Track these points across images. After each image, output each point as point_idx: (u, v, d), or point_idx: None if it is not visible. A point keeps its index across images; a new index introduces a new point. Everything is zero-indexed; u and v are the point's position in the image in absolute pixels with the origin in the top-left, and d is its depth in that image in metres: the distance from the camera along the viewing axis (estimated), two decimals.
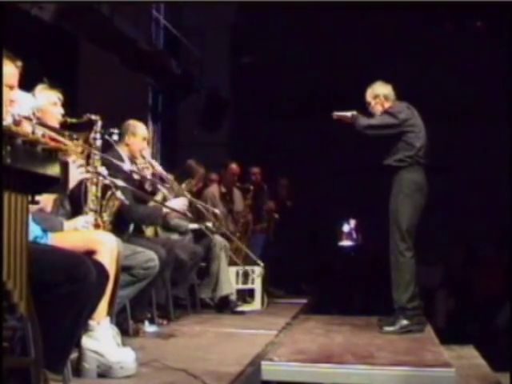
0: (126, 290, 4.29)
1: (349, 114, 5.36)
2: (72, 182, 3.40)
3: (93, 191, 3.96)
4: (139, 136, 4.61)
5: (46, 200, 3.46)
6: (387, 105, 5.44)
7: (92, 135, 4.00)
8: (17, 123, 2.96)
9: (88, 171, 3.68)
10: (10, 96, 2.95)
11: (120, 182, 4.09)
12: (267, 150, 10.19)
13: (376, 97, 5.47)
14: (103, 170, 4.00)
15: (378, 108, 5.46)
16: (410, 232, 5.31)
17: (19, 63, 2.95)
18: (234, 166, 7.65)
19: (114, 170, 4.32)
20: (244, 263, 6.93)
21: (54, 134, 3.28)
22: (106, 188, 4.12)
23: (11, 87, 2.94)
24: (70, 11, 6.29)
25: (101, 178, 3.95)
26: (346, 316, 6.41)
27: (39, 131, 3.13)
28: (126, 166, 4.53)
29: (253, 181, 8.06)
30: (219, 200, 7.25)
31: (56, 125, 3.72)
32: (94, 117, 4.05)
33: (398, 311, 5.29)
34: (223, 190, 7.43)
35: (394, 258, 5.33)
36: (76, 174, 3.46)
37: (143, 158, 4.75)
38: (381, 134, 5.36)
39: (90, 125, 4.04)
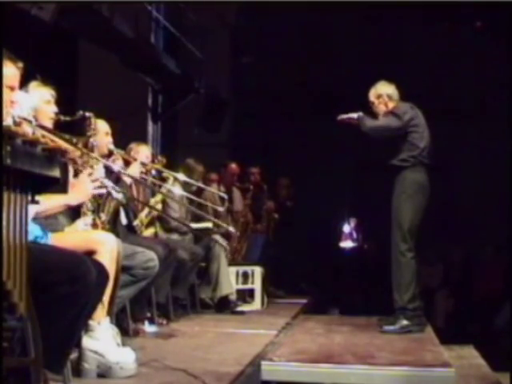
0: (126, 290, 4.28)
1: (355, 115, 5.32)
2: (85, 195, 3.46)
3: None
4: (101, 132, 4.57)
5: (46, 200, 3.45)
6: (391, 105, 5.40)
7: (88, 133, 3.98)
8: (17, 125, 2.96)
9: (101, 186, 3.69)
10: (10, 97, 2.95)
11: (109, 183, 4.08)
12: (267, 150, 10.19)
13: (379, 96, 5.43)
14: (101, 169, 3.99)
15: (381, 108, 5.42)
16: (412, 232, 5.27)
17: (20, 64, 2.95)
18: (233, 166, 7.66)
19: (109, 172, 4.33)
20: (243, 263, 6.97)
21: (53, 137, 3.28)
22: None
23: (12, 88, 2.94)
24: (70, 11, 6.28)
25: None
26: (346, 316, 6.41)
27: (39, 133, 3.13)
28: (115, 166, 4.52)
29: (252, 181, 8.07)
30: (219, 200, 7.25)
31: (49, 123, 3.69)
32: (87, 114, 4.02)
33: (399, 311, 5.27)
34: (223, 189, 7.43)
35: (395, 259, 5.30)
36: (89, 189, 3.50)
37: (111, 151, 4.72)
38: (386, 135, 5.33)
39: (84, 122, 4.01)
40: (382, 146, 5.47)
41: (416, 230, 5.31)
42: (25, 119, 3.07)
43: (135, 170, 5.02)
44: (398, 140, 5.32)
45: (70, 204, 3.56)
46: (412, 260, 5.26)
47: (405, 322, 5.22)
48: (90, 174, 3.47)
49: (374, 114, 5.46)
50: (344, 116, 5.35)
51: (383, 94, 5.43)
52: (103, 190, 3.79)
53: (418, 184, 5.31)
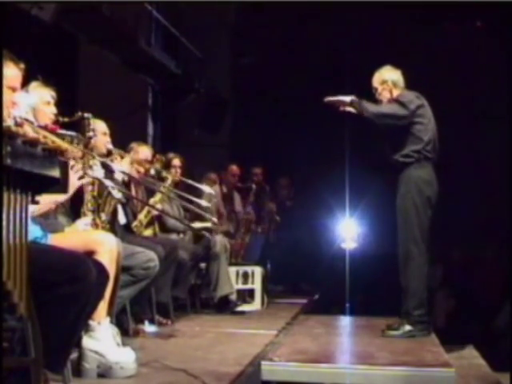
0: (126, 290, 4.29)
1: (347, 98, 4.97)
2: (71, 189, 3.41)
3: (89, 191, 3.95)
4: (99, 132, 4.55)
5: (47, 200, 3.45)
6: (396, 92, 5.10)
7: (87, 134, 3.99)
8: (18, 125, 2.96)
9: (83, 176, 3.65)
10: (12, 98, 2.95)
11: (109, 182, 4.08)
12: (267, 150, 10.19)
13: (384, 82, 5.12)
14: (98, 169, 3.99)
15: (385, 95, 5.11)
16: (423, 234, 5.01)
17: (22, 65, 2.96)
18: (234, 168, 7.67)
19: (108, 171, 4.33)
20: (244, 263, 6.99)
21: (54, 138, 3.28)
22: (102, 187, 4.11)
23: (14, 89, 2.94)
24: (70, 11, 6.29)
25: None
26: (346, 316, 6.41)
27: (40, 134, 3.13)
28: (115, 166, 4.52)
29: (255, 181, 8.08)
30: (221, 200, 7.30)
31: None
32: (86, 114, 4.02)
33: (403, 316, 5.07)
34: (224, 190, 7.46)
35: (403, 262, 5.03)
36: (75, 181, 3.47)
37: (110, 151, 4.71)
38: (390, 123, 5.01)
39: (83, 122, 4.02)
40: (381, 142, 5.29)
41: (427, 231, 5.03)
42: (26, 120, 3.08)
43: (125, 164, 4.96)
44: (401, 133, 5.02)
45: (58, 200, 3.52)
46: (422, 265, 4.99)
47: (408, 328, 5.00)
48: (72, 167, 3.42)
49: (376, 102, 5.15)
50: (333, 98, 5.03)
51: (388, 79, 5.12)
52: (87, 180, 3.76)
53: (425, 181, 5.02)
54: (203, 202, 5.08)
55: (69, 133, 3.72)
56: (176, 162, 6.18)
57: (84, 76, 7.55)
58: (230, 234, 7.24)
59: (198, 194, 5.92)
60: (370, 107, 5.00)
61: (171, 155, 6.27)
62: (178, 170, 6.10)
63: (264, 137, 10.42)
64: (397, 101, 5.07)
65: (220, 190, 7.36)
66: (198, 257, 5.92)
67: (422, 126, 5.06)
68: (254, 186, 7.82)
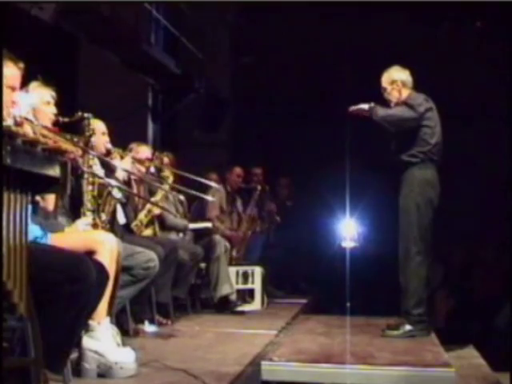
0: (126, 290, 4.29)
1: (366, 106, 5.02)
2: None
3: (89, 191, 3.96)
4: (98, 132, 4.53)
5: (49, 199, 3.46)
6: (405, 92, 5.11)
7: (86, 133, 3.99)
8: (18, 125, 2.97)
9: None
10: (11, 97, 2.95)
11: (113, 182, 4.09)
12: (267, 149, 10.19)
13: (393, 82, 5.13)
14: (98, 168, 4.00)
15: (394, 94, 5.12)
16: (423, 234, 5.04)
17: (21, 65, 2.96)
18: (238, 170, 7.67)
19: (108, 170, 4.34)
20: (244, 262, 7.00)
21: (54, 137, 3.28)
22: (102, 187, 4.12)
23: (13, 89, 2.95)
24: (70, 11, 6.29)
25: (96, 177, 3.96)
26: (346, 316, 6.40)
27: (40, 133, 3.13)
28: (117, 163, 4.52)
29: (256, 181, 8.08)
30: (225, 200, 7.33)
31: (48, 124, 3.69)
32: (86, 114, 4.02)
33: (403, 315, 5.07)
34: (228, 190, 7.48)
35: (402, 261, 5.06)
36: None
37: (109, 151, 4.71)
38: (398, 126, 5.03)
39: (82, 122, 4.02)
40: (387, 142, 5.28)
41: (427, 231, 5.06)
42: (26, 119, 3.08)
43: (126, 163, 4.97)
44: (408, 135, 5.02)
45: None
46: (421, 264, 5.01)
47: (408, 328, 5.01)
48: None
49: (386, 104, 5.17)
50: (354, 107, 5.08)
51: (397, 80, 5.13)
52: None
53: (428, 181, 5.04)
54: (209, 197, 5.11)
55: (67, 136, 3.72)
56: (165, 160, 6.19)
57: (84, 76, 7.54)
58: (232, 228, 7.25)
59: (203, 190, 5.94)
60: (380, 111, 5.02)
61: (163, 154, 6.30)
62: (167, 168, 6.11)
63: (264, 137, 10.42)
64: (406, 103, 5.08)
65: (225, 190, 7.38)
66: (198, 257, 5.92)
67: (429, 129, 5.08)
68: (258, 187, 7.84)
